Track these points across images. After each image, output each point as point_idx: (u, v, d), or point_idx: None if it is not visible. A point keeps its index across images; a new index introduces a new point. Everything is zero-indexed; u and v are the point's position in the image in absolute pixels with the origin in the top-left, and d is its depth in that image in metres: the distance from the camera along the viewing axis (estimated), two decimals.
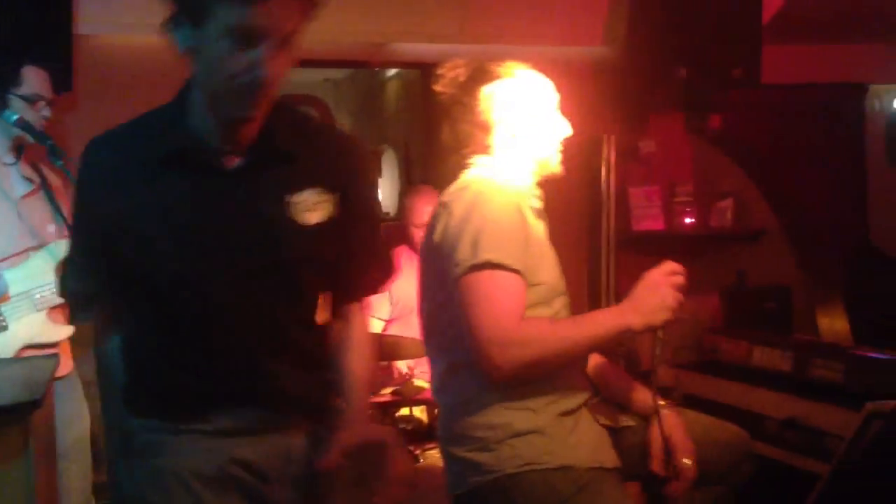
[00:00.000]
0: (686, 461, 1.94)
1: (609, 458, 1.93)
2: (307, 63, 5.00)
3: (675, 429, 1.98)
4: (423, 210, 3.59)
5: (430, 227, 1.96)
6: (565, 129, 2.06)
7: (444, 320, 1.93)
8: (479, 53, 3.74)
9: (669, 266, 1.87)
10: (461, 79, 2.07)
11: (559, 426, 1.88)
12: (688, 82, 3.98)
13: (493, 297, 1.77)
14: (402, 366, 3.30)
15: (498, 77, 2.04)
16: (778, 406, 2.45)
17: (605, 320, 1.85)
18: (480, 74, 2.05)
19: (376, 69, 7.84)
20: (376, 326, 3.55)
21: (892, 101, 6.93)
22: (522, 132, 2.01)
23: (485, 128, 2.02)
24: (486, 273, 1.78)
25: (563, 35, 3.99)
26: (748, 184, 4.22)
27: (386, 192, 8.78)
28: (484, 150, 2.04)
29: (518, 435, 1.85)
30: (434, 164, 7.75)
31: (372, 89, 8.75)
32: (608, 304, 4.00)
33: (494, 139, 2.02)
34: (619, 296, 4.03)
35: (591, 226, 4.15)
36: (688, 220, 4.32)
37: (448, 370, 1.96)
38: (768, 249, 4.07)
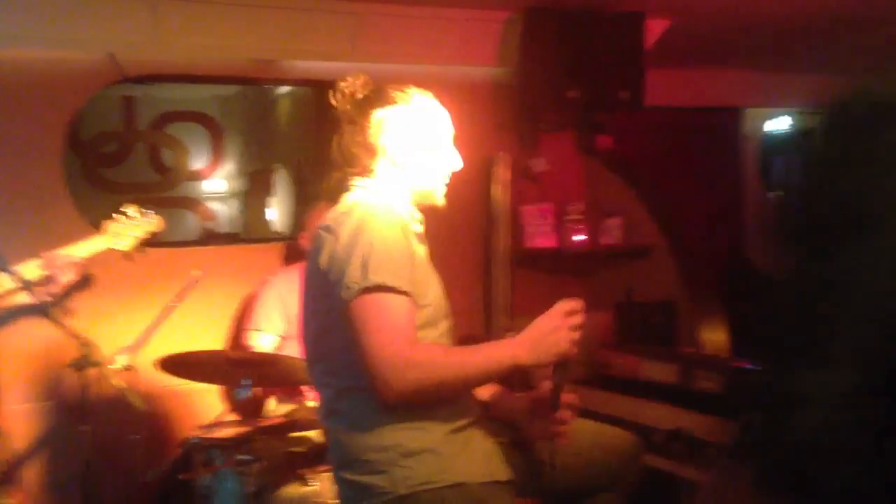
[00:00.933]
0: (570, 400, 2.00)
1: (502, 471, 1.94)
2: (195, 79, 4.90)
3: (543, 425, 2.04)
4: None
5: (314, 252, 1.93)
6: (455, 163, 2.06)
7: (332, 344, 1.90)
8: (372, 72, 3.72)
9: (568, 305, 1.88)
10: (357, 96, 2.05)
11: (450, 444, 1.88)
12: (578, 103, 4.09)
13: (385, 320, 1.77)
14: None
15: (392, 102, 2.02)
16: (665, 418, 2.52)
17: (498, 353, 1.87)
18: (376, 96, 2.04)
19: (267, 86, 7.72)
20: (267, 342, 3.47)
21: (764, 125, 7.30)
22: (407, 161, 2.01)
23: (370, 151, 2.02)
24: (378, 296, 1.78)
25: (457, 55, 4.03)
26: (636, 202, 4.35)
27: (278, 212, 8.64)
28: (367, 172, 2.02)
29: (410, 455, 1.84)
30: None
31: (263, 107, 8.61)
32: (502, 320, 4.05)
33: (378, 164, 2.01)
34: (513, 311, 4.11)
35: (486, 243, 4.20)
36: (579, 238, 4.41)
37: (338, 394, 1.93)
38: (655, 266, 4.20)
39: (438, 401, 1.86)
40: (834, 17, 4.50)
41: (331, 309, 1.85)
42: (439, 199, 2.06)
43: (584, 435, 2.16)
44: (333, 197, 2.04)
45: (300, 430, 2.94)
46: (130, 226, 2.97)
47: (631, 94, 4.15)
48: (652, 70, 4.23)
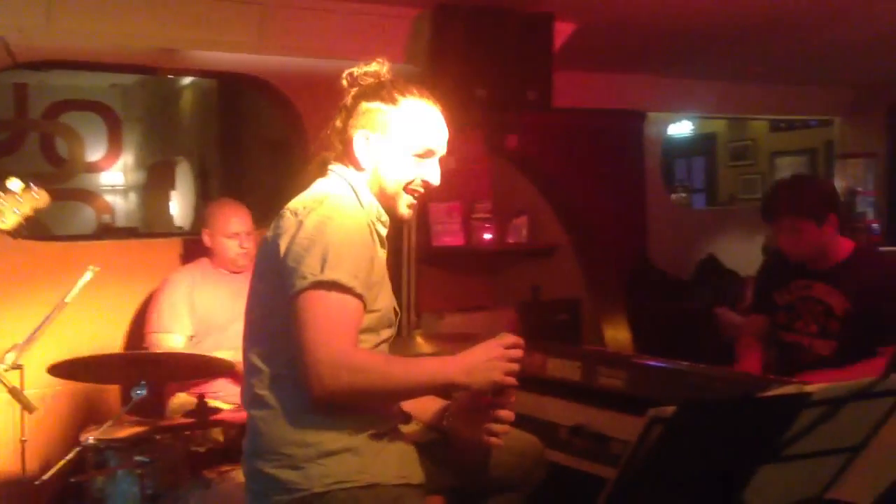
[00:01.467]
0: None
1: (415, 474, 1.95)
2: (92, 66, 4.73)
3: (468, 423, 2.04)
4: (231, 220, 3.47)
5: (275, 232, 1.88)
6: (431, 177, 2.01)
7: (272, 329, 1.87)
8: (278, 64, 3.67)
9: (510, 339, 1.89)
10: (359, 83, 2.01)
11: (370, 446, 1.87)
12: (487, 103, 4.11)
13: (332, 318, 1.74)
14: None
15: (382, 99, 1.97)
16: (568, 414, 2.55)
17: (434, 370, 1.86)
18: (373, 89, 1.99)
19: (169, 76, 7.51)
20: (177, 343, 3.36)
21: (666, 128, 7.52)
22: (373, 162, 1.97)
23: (344, 141, 1.98)
24: (330, 293, 1.75)
25: (364, 50, 3.96)
26: (542, 202, 4.41)
27: (180, 206, 8.43)
28: (342, 160, 1.99)
29: (329, 454, 1.82)
30: (233, 177, 7.56)
31: (165, 97, 8.39)
32: (409, 318, 4.04)
33: (352, 156, 1.97)
34: (420, 309, 4.11)
35: (393, 241, 4.17)
36: (486, 236, 4.44)
37: (268, 381, 1.88)
38: (560, 264, 4.27)
39: (365, 407, 1.85)
40: (734, 26, 4.67)
41: (279, 293, 1.81)
42: (401, 210, 2.01)
43: None
44: (296, 185, 2.00)
45: (201, 429, 2.87)
46: (13, 202, 2.68)
47: (539, 95, 4.20)
48: (560, 72, 4.29)
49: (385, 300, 1.94)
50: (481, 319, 4.07)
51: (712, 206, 9.57)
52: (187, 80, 7.81)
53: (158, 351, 3.24)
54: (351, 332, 1.77)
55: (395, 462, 1.91)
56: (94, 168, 8.57)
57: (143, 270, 3.78)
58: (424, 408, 2.16)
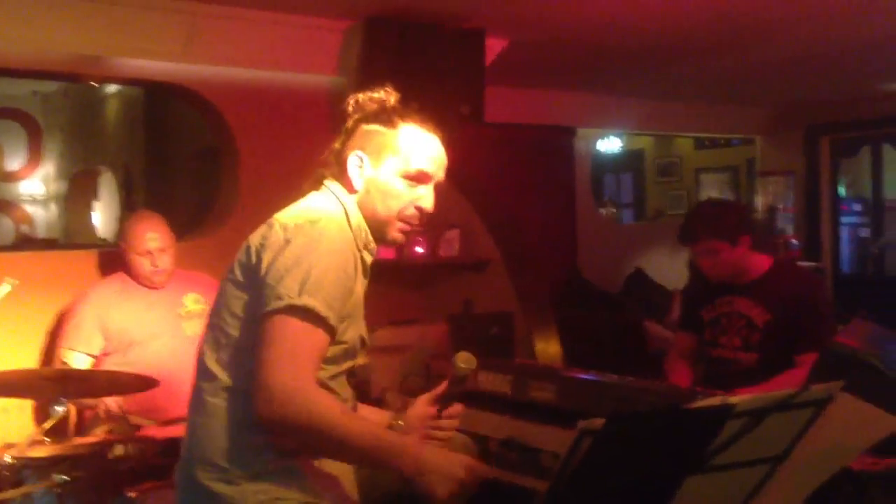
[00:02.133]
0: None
1: (352, 493, 1.95)
2: (11, 73, 4.58)
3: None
4: (145, 237, 3.37)
5: (260, 242, 1.83)
6: (425, 203, 1.96)
7: (239, 339, 1.82)
8: (207, 74, 3.62)
9: (478, 472, 1.83)
10: (364, 109, 1.98)
11: (308, 466, 1.85)
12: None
13: (297, 345, 1.70)
14: (110, 402, 3.06)
15: (381, 122, 1.95)
16: (499, 427, 2.56)
17: (388, 447, 1.77)
18: (375, 113, 1.97)
19: (93, 84, 7.33)
20: (80, 362, 3.27)
21: (595, 144, 7.65)
22: (369, 184, 1.93)
23: (342, 162, 1.94)
24: (303, 320, 1.71)
25: (295, 62, 3.97)
26: (474, 216, 4.42)
27: (104, 217, 8.22)
28: (339, 180, 1.96)
29: (269, 474, 1.79)
30: (158, 188, 7.41)
31: (89, 105, 8.19)
32: None
33: (346, 177, 1.94)
34: None
35: None
36: (418, 250, 4.44)
37: (222, 390, 1.84)
38: (492, 278, 4.29)
39: (302, 446, 1.80)
40: (660, 46, 4.78)
41: (253, 306, 1.78)
42: (391, 235, 1.97)
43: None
44: (304, 189, 1.97)
45: (122, 446, 2.78)
46: None
47: (471, 110, 4.22)
48: (492, 87, 4.32)
49: (353, 334, 1.90)
50: (413, 333, 4.05)
51: (640, 220, 9.77)
52: (112, 88, 7.64)
53: (66, 366, 3.14)
54: (314, 363, 1.73)
55: (333, 484, 1.89)
56: (12, 177, 8.31)
57: (62, 283, 3.66)
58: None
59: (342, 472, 1.96)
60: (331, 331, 1.76)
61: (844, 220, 7.88)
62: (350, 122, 1.99)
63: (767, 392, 2.67)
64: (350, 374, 2.85)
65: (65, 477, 2.63)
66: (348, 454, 1.81)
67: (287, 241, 1.78)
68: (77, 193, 8.35)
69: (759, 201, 7.97)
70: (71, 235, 8.08)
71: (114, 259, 3.61)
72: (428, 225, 2.08)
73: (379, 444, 1.77)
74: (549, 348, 3.95)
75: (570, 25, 4.29)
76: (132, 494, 2.62)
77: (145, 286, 3.41)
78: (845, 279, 7.72)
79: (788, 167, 7.72)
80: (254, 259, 1.82)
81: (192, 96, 4.13)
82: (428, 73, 4.10)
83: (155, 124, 7.35)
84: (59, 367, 3.17)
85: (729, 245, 3.03)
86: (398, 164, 1.94)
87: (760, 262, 3.11)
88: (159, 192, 7.28)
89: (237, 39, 3.80)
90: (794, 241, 7.47)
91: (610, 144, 9.49)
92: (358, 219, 1.93)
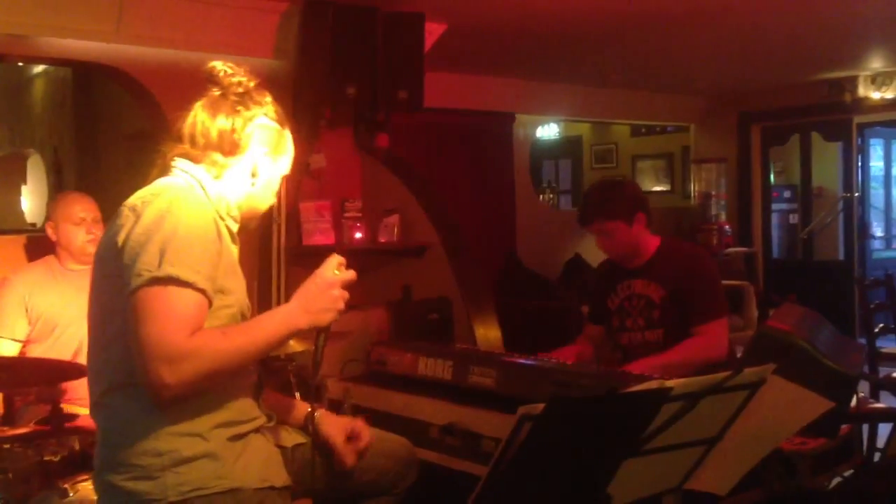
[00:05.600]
0: (347, 458, 2.04)
1: (279, 477, 1.90)
2: None
3: (333, 427, 2.06)
4: (76, 207, 3.27)
5: (113, 230, 1.77)
6: (267, 201, 1.99)
7: (111, 333, 1.77)
8: (138, 55, 3.52)
9: (336, 260, 1.85)
10: (247, 84, 1.91)
11: (229, 450, 1.80)
12: (357, 101, 4.08)
13: (167, 314, 1.64)
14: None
15: (266, 110, 1.92)
16: (440, 413, 2.56)
17: (274, 324, 1.80)
18: (258, 95, 1.92)
19: (19, 64, 7.09)
20: (7, 349, 3.16)
21: (534, 131, 7.70)
22: (257, 175, 1.92)
23: (230, 143, 1.87)
24: (167, 288, 1.65)
25: (231, 44, 3.89)
26: (413, 201, 4.41)
27: (32, 201, 7.98)
28: (202, 159, 1.88)
29: (186, 462, 1.75)
30: (88, 171, 7.21)
31: (15, 86, 7.94)
32: None
33: (222, 158, 1.88)
34: None
35: (262, 240, 4.08)
36: (357, 235, 4.41)
37: (110, 389, 1.79)
38: (431, 264, 4.28)
39: (220, 383, 1.77)
40: (597, 32, 4.82)
41: (117, 294, 1.71)
42: (254, 222, 1.99)
43: None
44: (151, 173, 1.90)
45: (55, 437, 2.71)
46: None
47: (410, 95, 4.21)
48: (430, 72, 4.31)
49: (237, 297, 1.86)
50: (353, 318, 4.00)
51: (578, 207, 9.86)
52: (39, 68, 7.40)
53: None
54: (186, 324, 1.66)
55: (257, 465, 1.85)
56: None
57: None
58: (287, 410, 2.12)
59: (269, 452, 1.92)
60: (203, 293, 1.70)
61: (775, 206, 8.08)
62: (235, 99, 1.90)
63: (663, 363, 2.79)
64: (289, 359, 2.83)
65: None
66: (255, 357, 1.81)
67: (137, 218, 1.73)
68: (4, 177, 8.09)
69: (694, 188, 8.13)
70: None
71: (42, 245, 3.50)
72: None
73: (268, 330, 1.78)
74: (488, 334, 3.97)
75: (508, 10, 4.30)
76: (65, 486, 2.56)
77: (78, 262, 3.30)
78: (776, 264, 7.94)
79: (722, 154, 7.89)
80: (108, 248, 1.78)
81: (124, 78, 4.02)
82: (366, 57, 4.07)
83: (84, 106, 7.15)
84: None
85: (624, 225, 3.09)
86: (274, 157, 1.96)
87: (651, 243, 3.19)
88: (89, 175, 7.09)
89: (169, 19, 3.71)
90: (727, 227, 7.64)
91: (548, 131, 9.56)
92: (217, 189, 1.88)
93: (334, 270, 1.84)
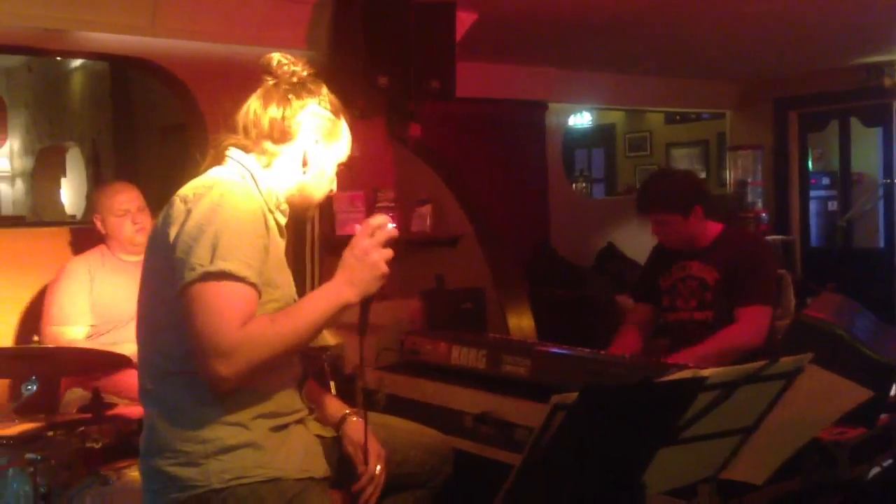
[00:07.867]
0: (376, 467, 2.01)
1: (319, 467, 1.92)
2: None
3: (361, 435, 2.02)
4: (121, 197, 3.29)
5: (164, 221, 1.81)
6: (322, 189, 2.01)
7: (164, 322, 1.80)
8: (173, 48, 3.55)
9: (371, 224, 1.85)
10: (301, 73, 1.94)
11: (271, 440, 1.84)
12: (389, 91, 4.08)
13: (221, 307, 1.68)
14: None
15: (320, 99, 1.96)
16: (474, 402, 2.57)
17: (322, 303, 1.81)
18: (313, 84, 1.96)
19: (57, 58, 7.20)
20: (78, 334, 3.19)
21: (567, 119, 7.66)
22: (308, 163, 1.94)
23: (282, 132, 1.90)
24: (221, 283, 1.68)
25: (264, 36, 3.91)
26: (445, 190, 4.41)
27: (71, 193, 8.12)
28: (254, 148, 1.91)
29: (229, 450, 1.78)
30: (126, 163, 7.31)
31: (53, 81, 8.05)
32: None
33: (274, 148, 1.91)
34: None
35: (296, 231, 4.11)
36: (390, 226, 4.41)
37: (162, 377, 1.83)
38: (464, 253, 4.28)
39: (268, 372, 1.79)
40: (630, 18, 4.77)
41: (169, 286, 1.74)
42: (309, 211, 2.04)
43: (400, 434, 2.19)
44: (205, 163, 1.93)
45: (96, 425, 2.76)
46: None
47: (442, 84, 4.20)
48: (462, 62, 4.30)
49: (284, 291, 1.89)
50: (386, 309, 4.02)
51: (611, 195, 9.80)
52: (77, 62, 7.49)
53: (59, 345, 3.09)
54: (238, 317, 1.69)
55: (298, 455, 1.88)
56: None
57: (30, 260, 3.61)
58: (322, 406, 2.13)
59: (309, 443, 1.94)
60: (254, 287, 1.73)
61: (813, 193, 7.96)
62: (288, 89, 1.93)
63: (704, 353, 2.80)
64: (323, 350, 2.85)
65: (37, 456, 2.61)
66: (305, 342, 1.83)
67: (188, 211, 1.75)
68: (44, 169, 8.23)
69: (730, 175, 8.03)
70: (38, 212, 7.97)
71: (87, 236, 3.55)
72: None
73: (316, 312, 1.79)
74: (522, 323, 3.97)
75: None
76: (106, 473, 2.61)
77: (128, 252, 3.32)
78: (814, 252, 7.82)
79: (758, 141, 7.78)
80: (160, 239, 1.80)
81: (160, 71, 4.06)
82: (398, 47, 4.07)
83: (122, 99, 7.25)
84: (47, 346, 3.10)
85: (681, 217, 3.12)
86: (329, 147, 2.00)
87: (712, 229, 3.22)
88: (127, 167, 7.19)
89: (204, 13, 3.74)
90: (764, 215, 7.54)
91: (581, 119, 9.50)
92: (268, 182, 1.91)
93: (369, 235, 1.83)
